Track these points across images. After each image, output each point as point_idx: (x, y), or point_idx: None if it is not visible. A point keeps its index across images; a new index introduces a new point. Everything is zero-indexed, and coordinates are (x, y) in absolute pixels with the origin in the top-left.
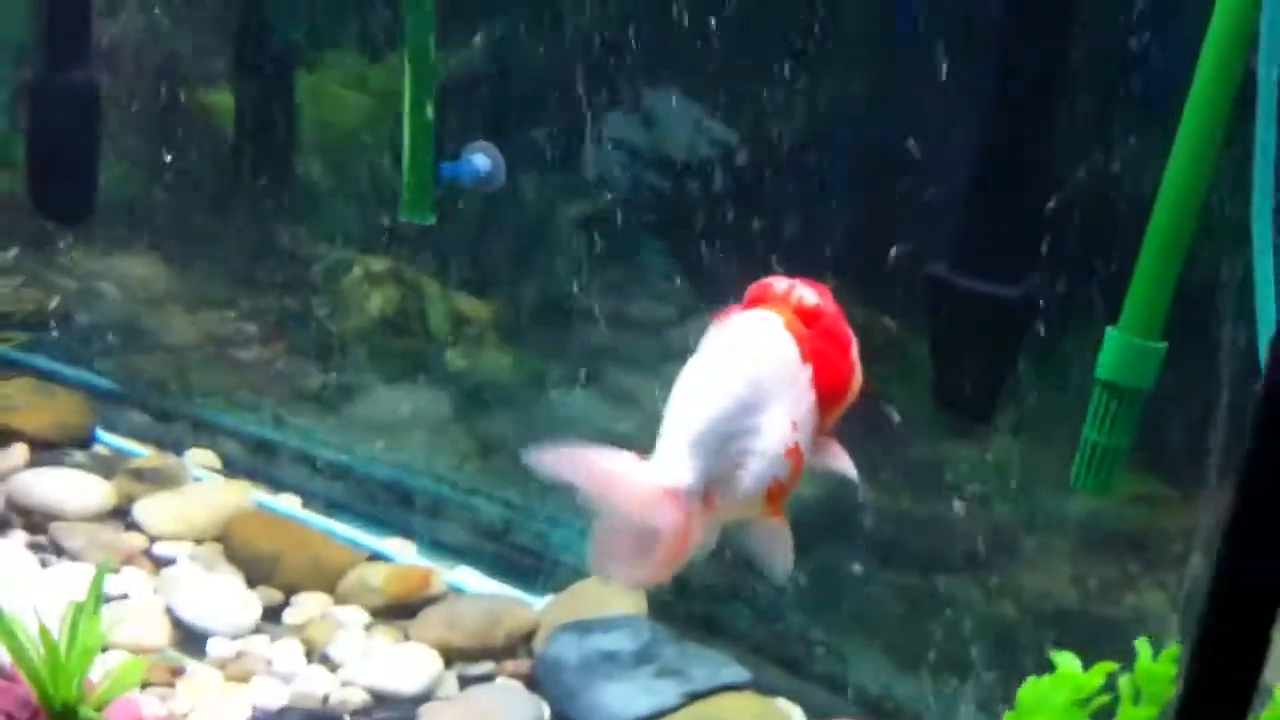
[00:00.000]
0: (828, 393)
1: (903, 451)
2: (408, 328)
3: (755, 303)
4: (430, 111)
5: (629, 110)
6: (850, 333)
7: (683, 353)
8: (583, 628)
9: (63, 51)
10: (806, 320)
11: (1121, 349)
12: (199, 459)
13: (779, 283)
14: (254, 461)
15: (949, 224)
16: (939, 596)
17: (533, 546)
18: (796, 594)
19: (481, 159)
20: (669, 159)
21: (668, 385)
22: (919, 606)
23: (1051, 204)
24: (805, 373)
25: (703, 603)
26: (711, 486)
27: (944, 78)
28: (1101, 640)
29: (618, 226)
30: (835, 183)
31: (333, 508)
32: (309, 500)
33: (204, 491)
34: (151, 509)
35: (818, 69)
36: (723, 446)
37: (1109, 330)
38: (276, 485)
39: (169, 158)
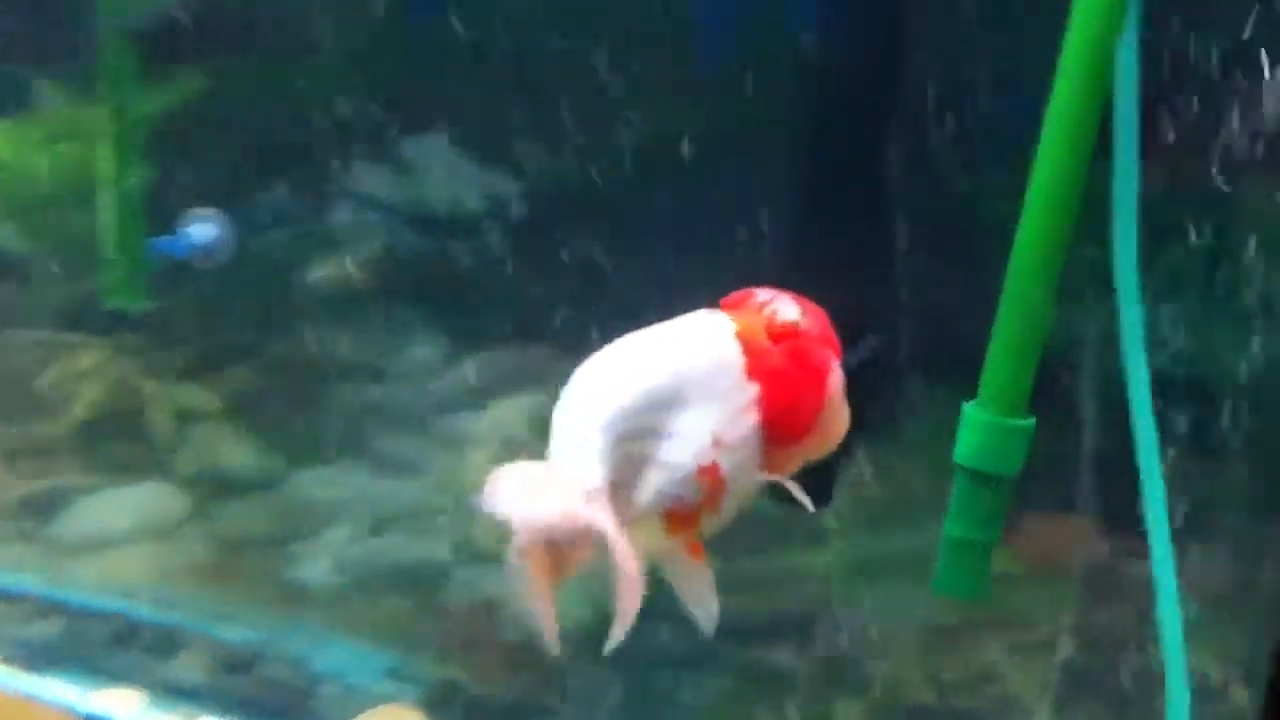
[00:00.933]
0: (777, 423)
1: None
2: (123, 429)
3: (725, 307)
4: (135, 175)
5: (384, 161)
6: (834, 367)
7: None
8: None
9: None
10: (775, 336)
11: (982, 429)
12: None
13: (763, 292)
14: None
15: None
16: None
17: (291, 680)
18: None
19: (202, 229)
20: (431, 215)
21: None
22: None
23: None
24: (747, 391)
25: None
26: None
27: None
28: None
29: (371, 291)
30: (623, 237)
31: (36, 658)
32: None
33: None
34: None
35: (607, 113)
36: (624, 445)
37: (966, 407)
38: None
39: None
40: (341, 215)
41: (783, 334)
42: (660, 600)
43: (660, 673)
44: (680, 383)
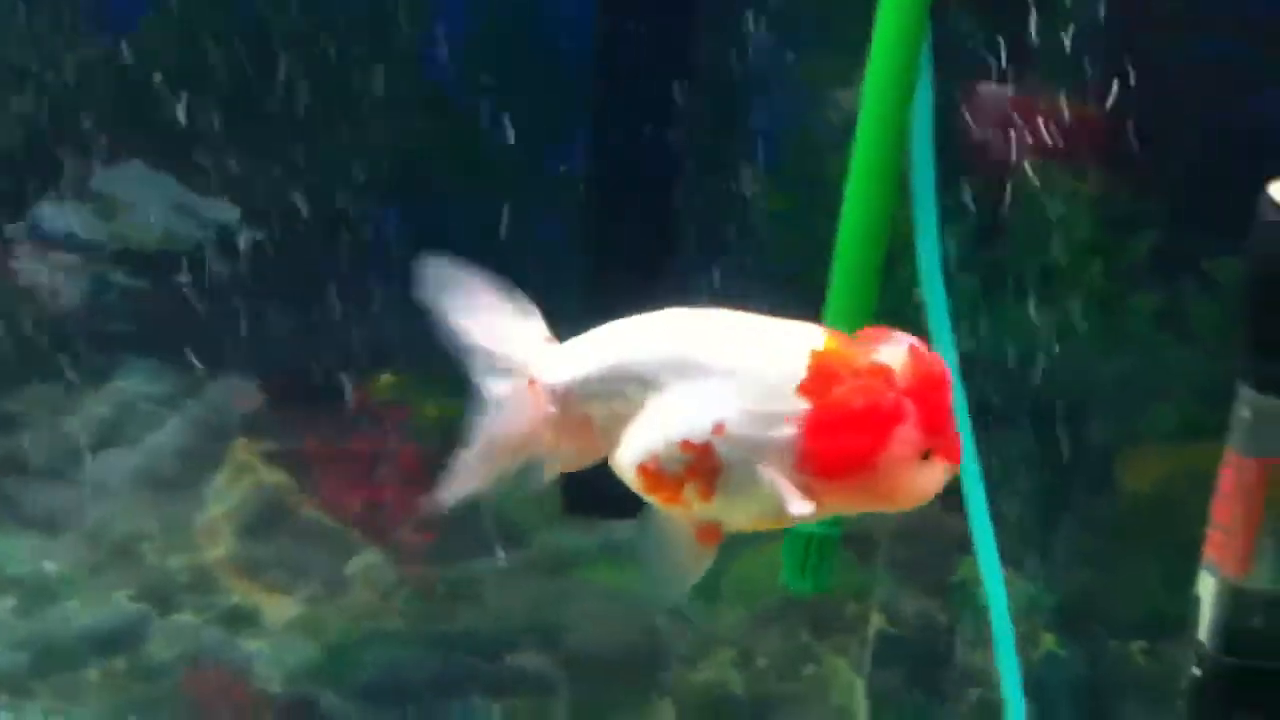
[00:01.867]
0: (816, 452)
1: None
2: None
3: (858, 336)
4: None
5: (75, 196)
6: (914, 423)
7: None
8: None
9: None
10: (859, 372)
11: None
12: None
13: (902, 335)
14: None
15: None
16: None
17: None
18: None
19: None
20: (138, 250)
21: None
22: None
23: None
24: (790, 402)
25: None
26: (585, 410)
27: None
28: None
29: (74, 342)
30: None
31: None
32: None
33: None
34: None
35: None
36: (618, 379)
37: None
38: None
39: None
40: (30, 260)
41: (868, 372)
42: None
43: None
44: (714, 360)
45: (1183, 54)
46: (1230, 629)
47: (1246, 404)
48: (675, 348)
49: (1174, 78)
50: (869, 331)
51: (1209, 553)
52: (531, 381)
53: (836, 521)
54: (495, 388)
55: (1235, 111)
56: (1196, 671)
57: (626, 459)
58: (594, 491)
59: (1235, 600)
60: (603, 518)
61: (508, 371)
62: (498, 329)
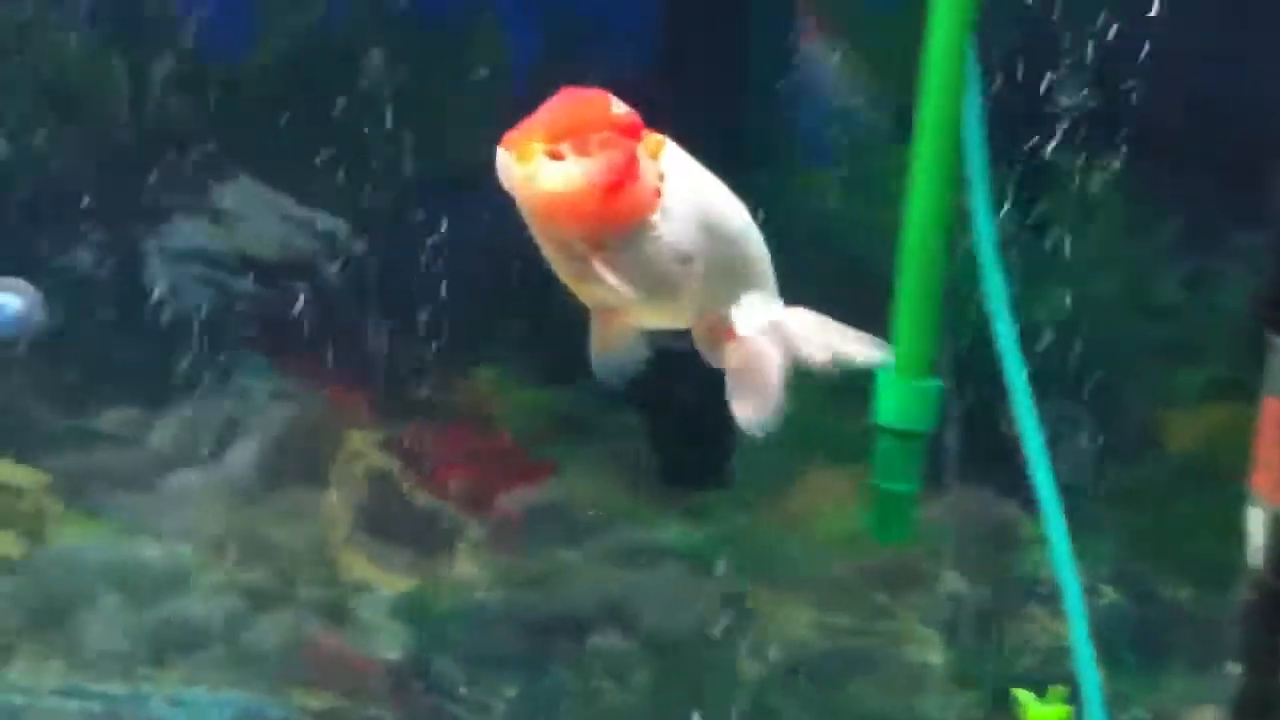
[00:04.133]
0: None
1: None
2: None
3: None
4: None
5: (201, 212)
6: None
7: None
8: None
9: None
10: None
11: (896, 392)
12: None
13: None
14: None
15: None
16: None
17: None
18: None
19: (8, 300)
20: (257, 259)
21: None
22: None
23: None
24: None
25: None
26: None
27: None
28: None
29: (204, 349)
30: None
31: None
32: None
33: None
34: None
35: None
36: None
37: (879, 373)
38: None
39: None
40: (159, 274)
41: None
42: None
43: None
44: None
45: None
46: (1277, 553)
47: (1277, 352)
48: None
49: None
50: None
51: (1255, 488)
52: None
53: (914, 480)
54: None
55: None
56: (1248, 596)
57: None
58: (688, 464)
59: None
60: (696, 489)
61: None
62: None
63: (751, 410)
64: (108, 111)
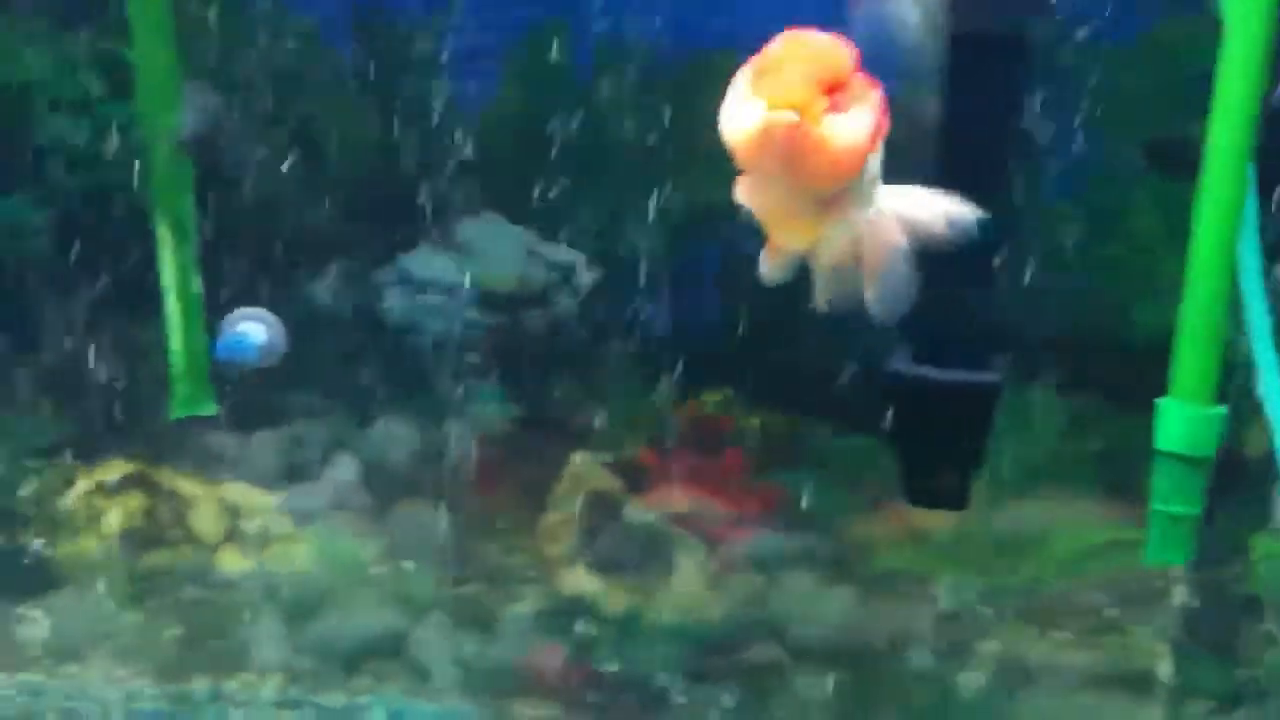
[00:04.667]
0: None
1: None
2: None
3: None
4: (198, 281)
5: (441, 245)
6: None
7: None
8: None
9: None
10: None
11: (1182, 419)
12: None
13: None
14: None
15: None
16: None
17: None
18: None
19: (256, 329)
20: (493, 291)
21: None
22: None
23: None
24: None
25: None
26: None
27: None
28: None
29: (435, 375)
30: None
31: None
32: None
33: None
34: None
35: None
36: None
37: (1162, 402)
38: None
39: None
40: (400, 302)
41: None
42: None
43: None
44: None
45: None
46: None
47: None
48: None
49: None
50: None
51: None
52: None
53: (1198, 503)
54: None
55: None
56: None
57: None
58: (927, 485)
59: None
60: (942, 508)
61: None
62: None
63: (883, 296)
64: (358, 150)
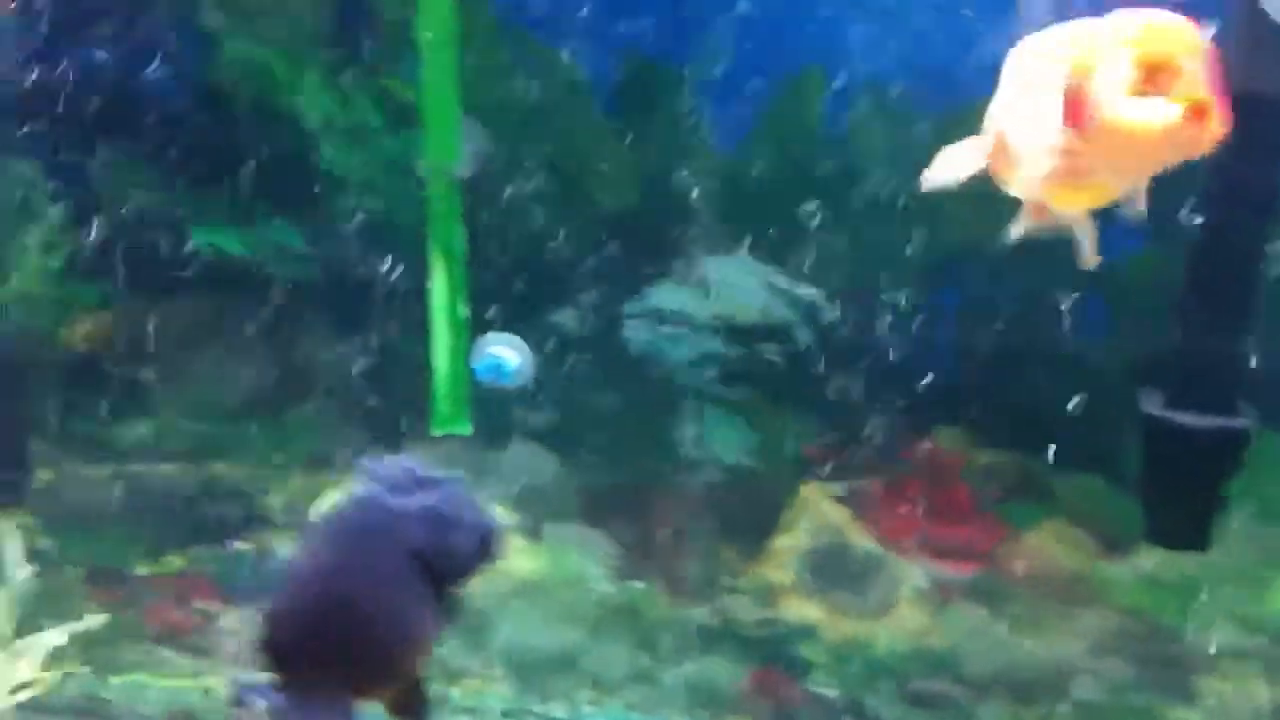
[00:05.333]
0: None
1: None
2: None
3: None
4: (464, 306)
5: (681, 279)
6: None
7: None
8: None
9: None
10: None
11: None
12: None
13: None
14: None
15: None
16: None
17: None
18: None
19: (509, 354)
20: (736, 324)
21: None
22: None
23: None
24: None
25: None
26: None
27: None
28: None
29: (671, 406)
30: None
31: None
32: None
33: None
34: None
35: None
36: None
37: None
38: None
39: None
40: (640, 334)
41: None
42: None
43: None
44: None
45: None
46: None
47: None
48: None
49: None
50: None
51: None
52: None
53: None
54: None
55: None
56: None
57: None
58: (1177, 524)
59: None
60: (1184, 549)
61: None
62: None
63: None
64: (611, 188)
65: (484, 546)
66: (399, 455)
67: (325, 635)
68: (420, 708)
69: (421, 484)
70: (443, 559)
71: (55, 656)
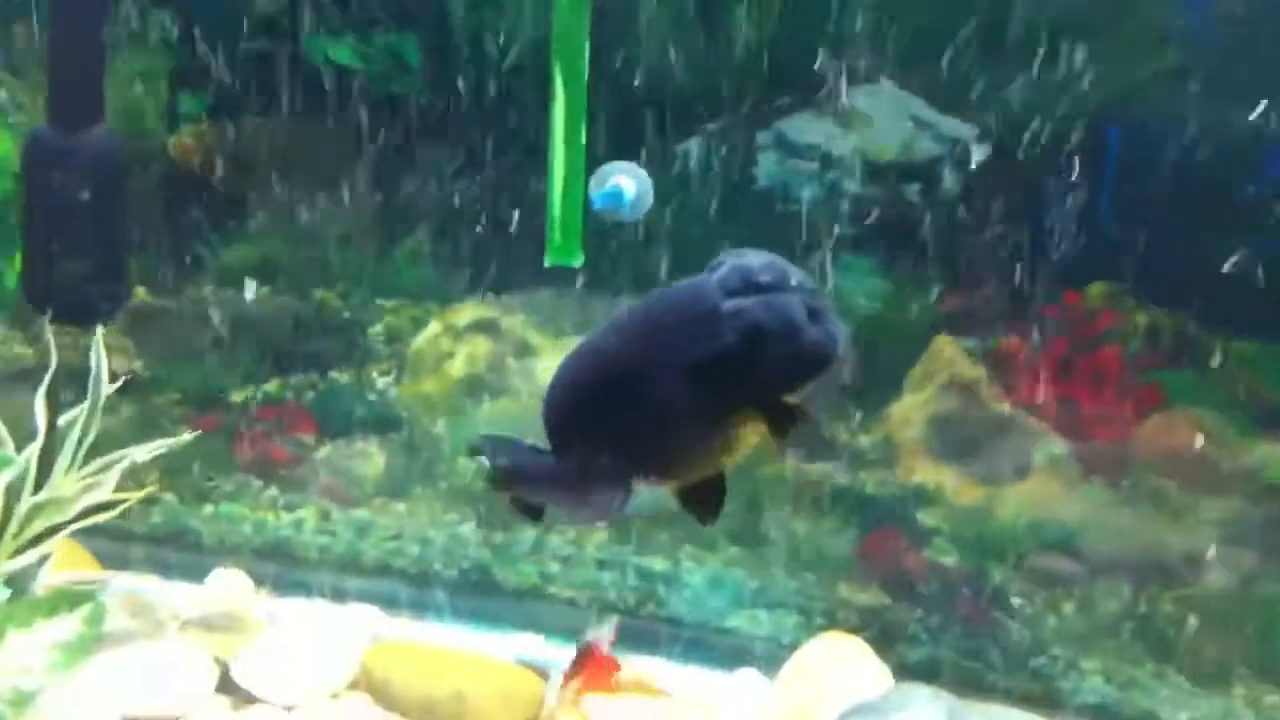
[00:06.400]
0: None
1: None
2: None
3: None
4: (583, 134)
5: (820, 111)
6: None
7: None
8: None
9: None
10: None
11: None
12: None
13: None
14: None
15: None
16: None
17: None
18: None
19: (627, 183)
20: (873, 161)
21: None
22: None
23: None
24: None
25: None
26: None
27: None
28: None
29: (801, 244)
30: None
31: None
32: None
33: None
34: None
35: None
36: None
37: None
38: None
39: None
40: (770, 168)
41: None
42: None
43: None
44: None
45: None
46: None
47: None
48: None
49: None
50: None
51: None
52: None
53: None
54: None
55: None
56: None
57: None
58: None
59: None
60: None
61: None
62: None
63: None
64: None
65: (810, 361)
66: (762, 253)
67: (586, 411)
68: (705, 504)
69: (759, 287)
70: (749, 367)
71: (136, 478)
